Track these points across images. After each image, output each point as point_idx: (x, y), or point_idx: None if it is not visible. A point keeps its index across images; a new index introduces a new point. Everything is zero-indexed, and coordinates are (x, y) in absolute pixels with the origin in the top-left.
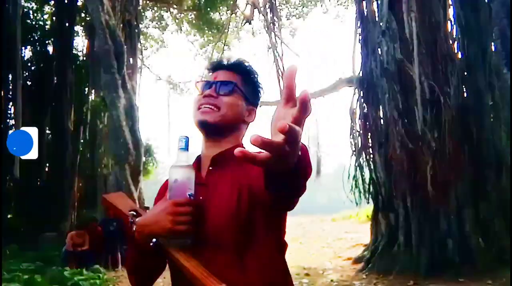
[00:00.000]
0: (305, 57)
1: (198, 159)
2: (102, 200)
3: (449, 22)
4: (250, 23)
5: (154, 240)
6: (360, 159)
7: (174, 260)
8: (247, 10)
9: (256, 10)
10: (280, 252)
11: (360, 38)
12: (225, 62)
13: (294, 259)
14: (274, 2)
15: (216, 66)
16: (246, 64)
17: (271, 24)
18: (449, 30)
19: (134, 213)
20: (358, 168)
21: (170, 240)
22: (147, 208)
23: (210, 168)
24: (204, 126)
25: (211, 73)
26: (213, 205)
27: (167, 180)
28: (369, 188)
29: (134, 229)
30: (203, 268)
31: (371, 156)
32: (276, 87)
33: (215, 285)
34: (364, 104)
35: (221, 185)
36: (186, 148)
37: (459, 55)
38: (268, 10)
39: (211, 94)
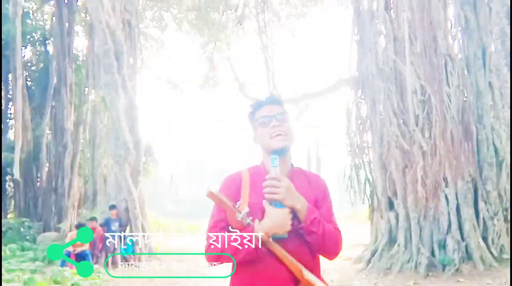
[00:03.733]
0: (306, 57)
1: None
2: (209, 194)
3: (449, 22)
4: (241, 24)
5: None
6: (356, 159)
7: (277, 253)
8: (240, 11)
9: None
10: None
11: (357, 38)
12: (269, 99)
13: None
14: (265, 4)
15: (263, 103)
16: (278, 98)
17: (263, 25)
18: (449, 30)
19: (242, 209)
20: (353, 168)
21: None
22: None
23: None
24: (284, 151)
25: (261, 108)
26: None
27: (234, 173)
28: (364, 188)
29: (244, 223)
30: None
31: (367, 155)
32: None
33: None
34: (360, 104)
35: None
36: (277, 165)
37: (459, 55)
38: (260, 11)
39: (279, 124)
